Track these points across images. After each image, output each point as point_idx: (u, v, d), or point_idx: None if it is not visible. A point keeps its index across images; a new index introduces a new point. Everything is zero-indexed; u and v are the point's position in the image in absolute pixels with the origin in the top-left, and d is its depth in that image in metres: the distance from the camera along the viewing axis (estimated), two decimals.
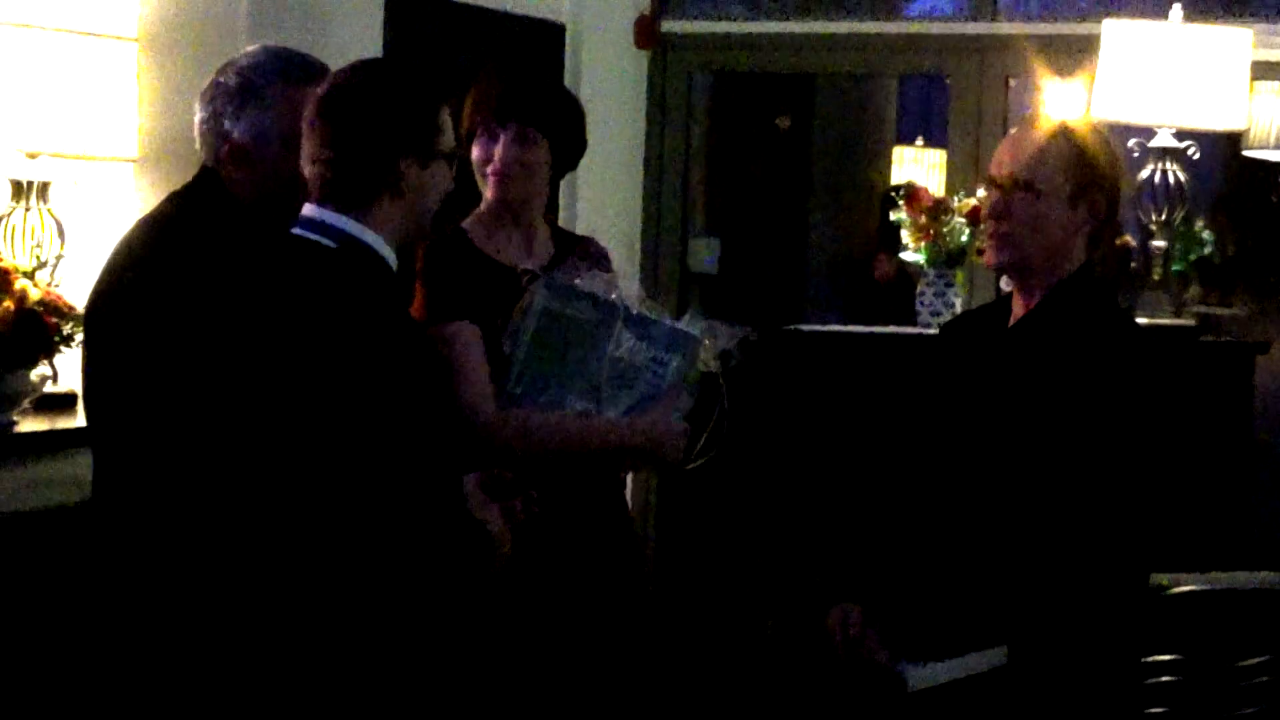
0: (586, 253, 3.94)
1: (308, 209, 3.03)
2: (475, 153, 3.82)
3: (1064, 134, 3.39)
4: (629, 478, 5.99)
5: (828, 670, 3.39)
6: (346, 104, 3.01)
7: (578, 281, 3.71)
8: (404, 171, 3.00)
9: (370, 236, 3.00)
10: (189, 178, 3.51)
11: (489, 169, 3.80)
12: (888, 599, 3.33)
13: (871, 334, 5.82)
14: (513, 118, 3.81)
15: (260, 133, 3.37)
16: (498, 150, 3.79)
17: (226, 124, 3.40)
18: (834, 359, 5.75)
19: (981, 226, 3.51)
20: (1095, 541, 3.21)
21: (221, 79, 3.45)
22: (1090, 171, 3.36)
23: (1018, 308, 3.45)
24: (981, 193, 3.51)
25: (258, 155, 3.37)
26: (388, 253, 3.04)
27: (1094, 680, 3.28)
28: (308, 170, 3.04)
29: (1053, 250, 3.36)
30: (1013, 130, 3.54)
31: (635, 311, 3.72)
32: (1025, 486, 3.21)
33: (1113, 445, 3.22)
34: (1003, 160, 3.39)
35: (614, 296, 3.72)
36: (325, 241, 2.99)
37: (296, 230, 3.02)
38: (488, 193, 3.83)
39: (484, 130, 3.82)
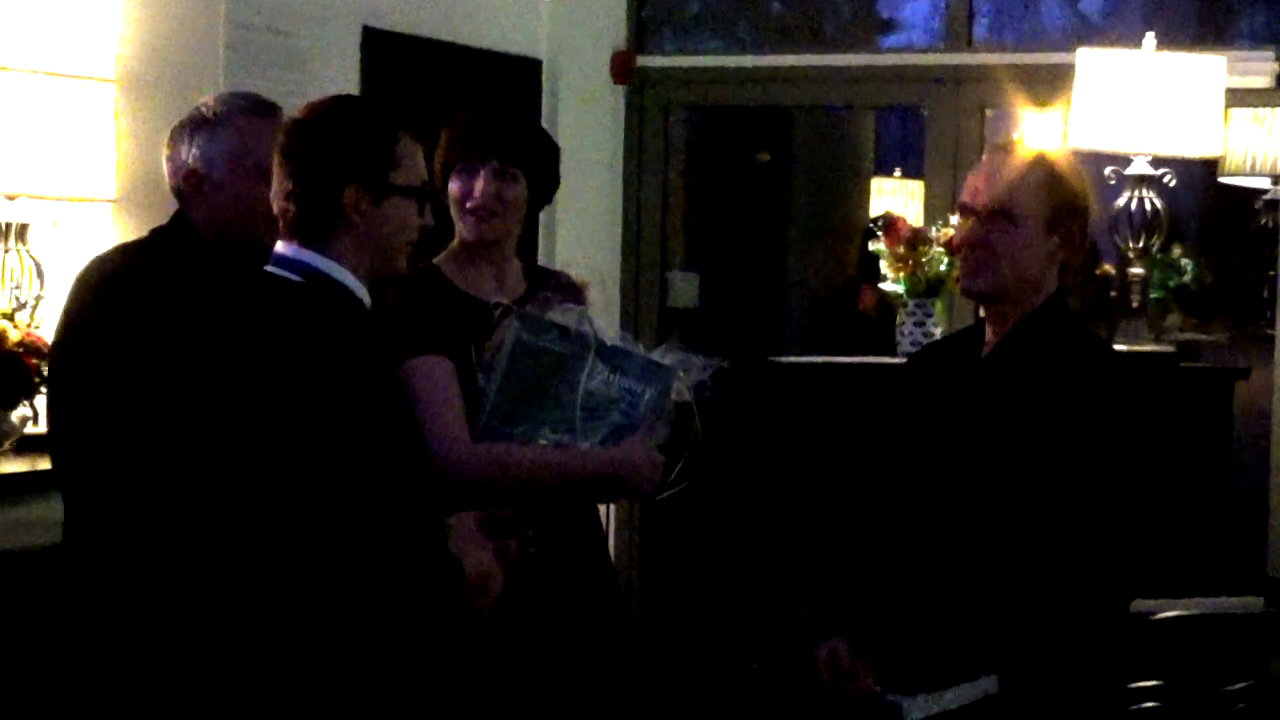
0: (559, 284, 3.95)
1: (279, 246, 3.03)
2: (453, 188, 3.82)
3: (1040, 162, 3.39)
4: (611, 514, 6.01)
5: (817, 706, 3.37)
6: (303, 136, 3.02)
7: (549, 314, 3.72)
8: (353, 202, 2.98)
9: (336, 270, 2.99)
10: (167, 217, 3.53)
11: (468, 205, 3.81)
12: (876, 632, 3.32)
13: (851, 364, 5.82)
14: (492, 154, 3.82)
15: (211, 156, 3.54)
16: (478, 186, 3.80)
17: (183, 153, 3.57)
18: (815, 390, 5.75)
19: (956, 255, 3.50)
20: (1084, 567, 3.20)
21: (183, 119, 3.64)
22: (1066, 200, 3.36)
23: (991, 336, 3.44)
24: (956, 220, 3.50)
25: (210, 179, 3.52)
26: (356, 285, 3.03)
27: (1084, 707, 3.27)
28: (276, 207, 3.04)
29: (1028, 278, 3.36)
30: (984, 157, 3.53)
31: (608, 343, 3.73)
32: (1011, 514, 3.21)
33: (1100, 471, 3.21)
34: (978, 188, 3.38)
35: (586, 329, 3.73)
36: (291, 276, 2.98)
37: (269, 267, 3.02)
38: (465, 229, 3.84)
39: (462, 166, 3.82)
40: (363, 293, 3.05)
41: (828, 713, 3.36)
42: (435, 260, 3.87)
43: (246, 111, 3.61)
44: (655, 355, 3.78)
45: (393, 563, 2.89)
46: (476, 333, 3.72)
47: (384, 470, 2.90)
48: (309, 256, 2.99)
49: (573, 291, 3.97)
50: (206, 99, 3.67)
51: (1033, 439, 3.23)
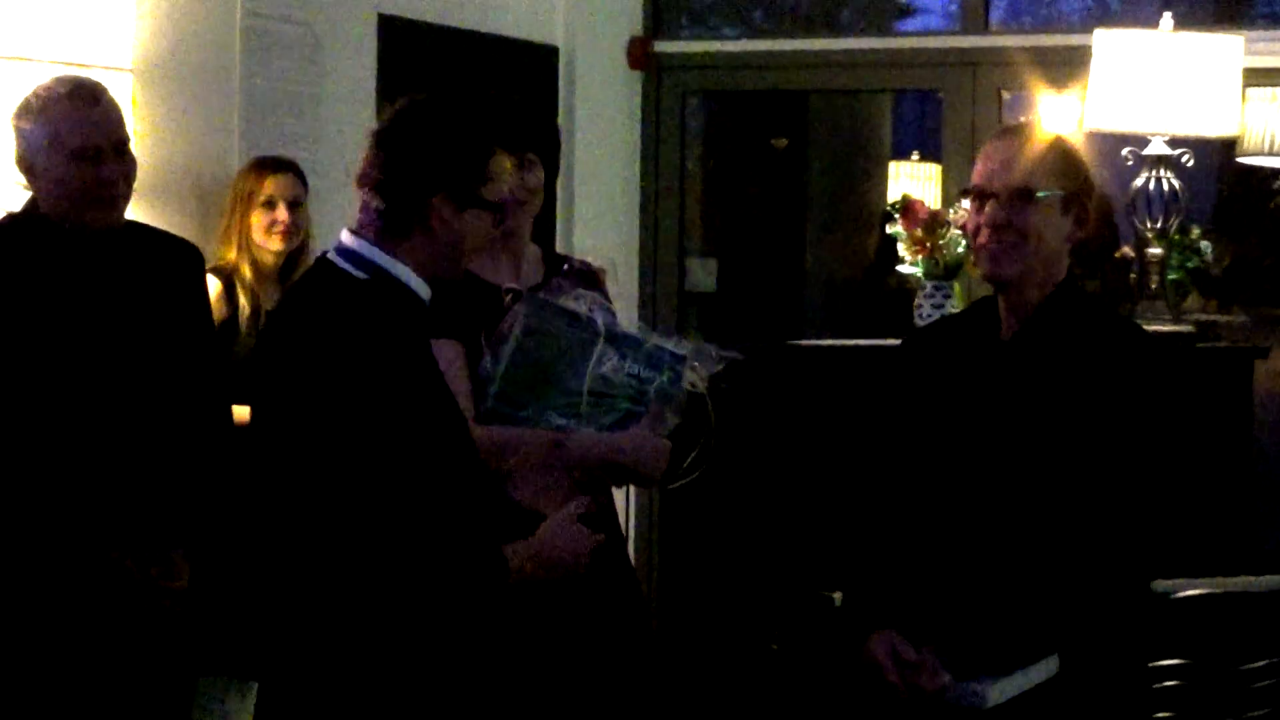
0: (574, 270, 3.97)
1: (345, 238, 3.08)
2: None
3: (1055, 143, 3.39)
4: (631, 497, 6.01)
5: (881, 703, 3.32)
6: (397, 135, 3.07)
7: (560, 300, 3.74)
8: (438, 209, 3.04)
9: (403, 271, 3.05)
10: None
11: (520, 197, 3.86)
12: (930, 621, 3.27)
13: (870, 347, 5.82)
14: (516, 143, 3.85)
15: (31, 143, 3.75)
16: (520, 180, 3.83)
17: (15, 140, 3.80)
18: (834, 373, 5.75)
19: (972, 239, 3.46)
20: (1126, 544, 3.20)
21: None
22: (1079, 179, 3.36)
23: (1009, 318, 3.40)
24: (966, 204, 3.47)
25: (34, 166, 3.76)
26: (419, 286, 3.08)
27: (1139, 684, 3.27)
28: (361, 196, 3.08)
29: (1048, 260, 3.35)
30: (993, 141, 3.48)
31: (619, 330, 3.74)
32: (1057, 495, 3.18)
33: (1139, 449, 3.20)
34: (995, 171, 3.35)
35: (596, 315, 3.74)
36: (356, 272, 3.04)
37: (331, 256, 3.08)
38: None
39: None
40: (425, 292, 3.10)
41: (896, 708, 3.26)
42: None
43: (65, 98, 3.75)
44: (668, 344, 3.78)
45: (429, 550, 2.92)
46: (489, 318, 3.75)
47: (423, 460, 2.94)
48: (378, 256, 3.04)
49: (588, 278, 3.99)
50: (38, 84, 3.83)
51: (1071, 420, 3.20)
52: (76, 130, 3.73)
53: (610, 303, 3.94)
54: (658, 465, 3.73)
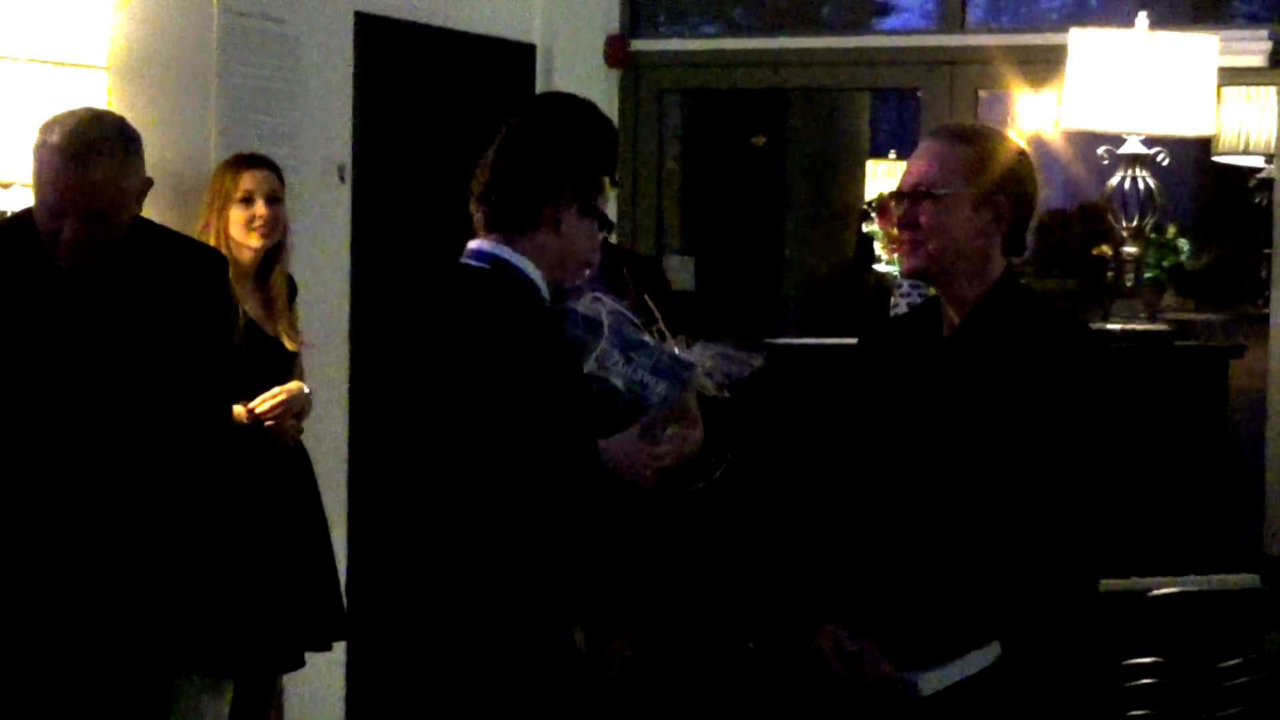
0: (634, 263, 4.17)
1: (473, 243, 3.27)
2: None
3: (965, 138, 3.44)
4: None
5: (826, 691, 3.38)
6: (532, 134, 3.27)
7: (579, 304, 3.75)
8: (564, 209, 3.24)
9: (526, 264, 3.24)
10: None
11: None
12: (872, 612, 3.34)
13: (848, 346, 5.82)
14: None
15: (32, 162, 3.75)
16: None
17: None
18: (811, 371, 5.76)
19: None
20: (1073, 535, 3.23)
21: None
22: (994, 175, 3.38)
23: (951, 316, 3.45)
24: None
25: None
26: (537, 277, 3.27)
27: (1083, 673, 3.30)
28: (479, 193, 3.27)
29: (965, 255, 3.38)
30: (921, 142, 3.57)
31: (625, 333, 3.74)
32: (996, 488, 3.23)
33: (1080, 442, 3.24)
34: (905, 171, 3.45)
35: (601, 316, 3.74)
36: (478, 264, 3.23)
37: (463, 260, 3.26)
38: None
39: None
40: (545, 289, 3.28)
41: (841, 700, 3.36)
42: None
43: (55, 149, 3.69)
44: (680, 351, 3.77)
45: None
46: None
47: (532, 438, 3.15)
48: (503, 251, 3.23)
49: (648, 266, 4.05)
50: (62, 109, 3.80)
51: (1004, 414, 3.25)
52: (48, 185, 3.71)
53: (666, 296, 4.02)
54: (641, 472, 3.74)
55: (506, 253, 3.23)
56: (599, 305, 3.75)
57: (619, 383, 3.72)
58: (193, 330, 3.89)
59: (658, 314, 3.86)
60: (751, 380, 3.78)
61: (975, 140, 3.43)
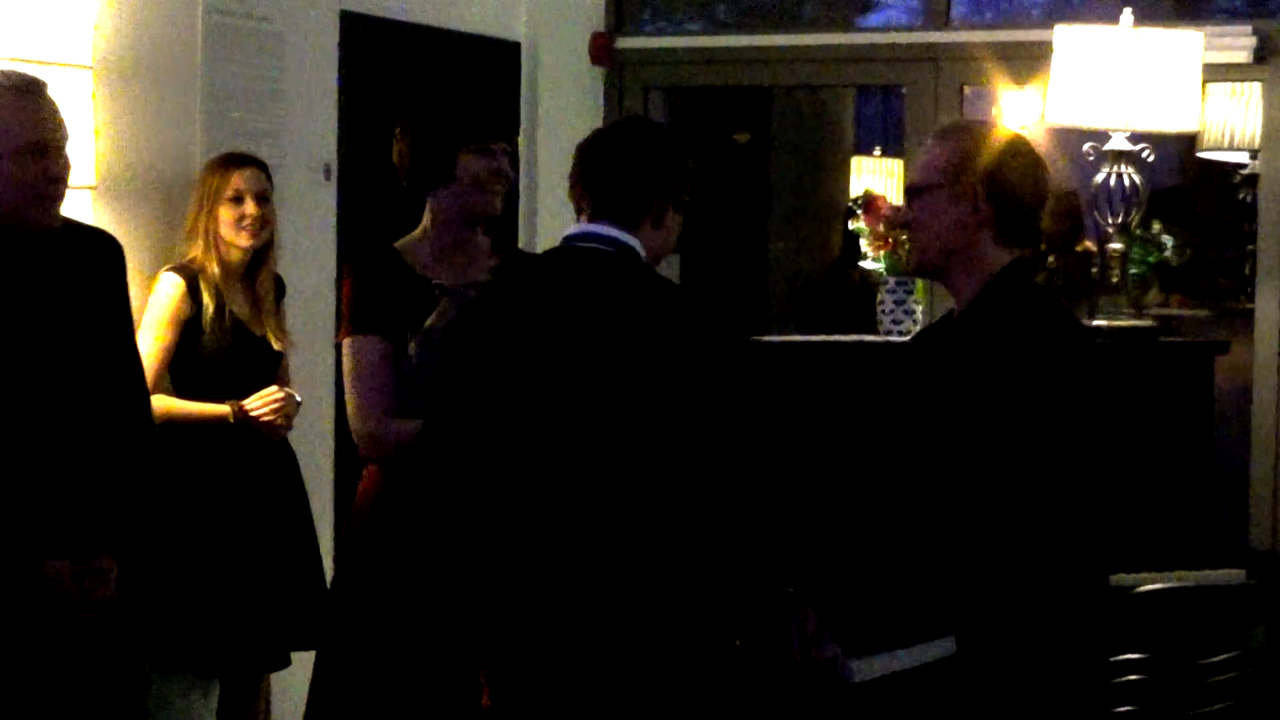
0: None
1: (582, 225, 3.48)
2: (478, 166, 4.01)
3: (947, 134, 3.51)
4: None
5: (785, 675, 3.42)
6: (646, 135, 3.58)
7: None
8: (667, 208, 3.49)
9: (638, 244, 3.43)
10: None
11: (496, 185, 3.97)
12: (838, 599, 3.38)
13: (834, 343, 5.83)
14: (501, 135, 4.06)
15: None
16: (503, 165, 4.04)
17: None
18: (797, 369, 5.76)
19: None
20: (1034, 535, 3.23)
21: None
22: (962, 165, 3.41)
23: (956, 311, 3.51)
24: None
25: None
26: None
27: (1045, 671, 3.30)
28: (578, 192, 3.53)
29: (953, 249, 3.43)
30: None
31: None
32: (962, 480, 3.24)
33: (1043, 438, 3.24)
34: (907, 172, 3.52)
35: None
36: (603, 247, 3.40)
37: (573, 241, 3.46)
38: (484, 207, 4.02)
39: (480, 147, 3.96)
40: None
41: (794, 681, 3.41)
42: (397, 244, 4.00)
43: (9, 91, 3.73)
44: None
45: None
46: (418, 312, 3.91)
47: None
48: (617, 233, 3.42)
49: None
50: None
51: (974, 410, 3.27)
52: (25, 125, 3.70)
53: None
54: None
55: (626, 237, 3.42)
56: None
57: None
58: (101, 320, 3.91)
59: None
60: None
61: (954, 136, 3.49)
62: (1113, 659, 4.46)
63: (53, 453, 3.76)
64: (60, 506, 3.75)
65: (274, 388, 4.84)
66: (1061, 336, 3.39)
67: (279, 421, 4.86)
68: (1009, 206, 3.41)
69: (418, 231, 4.06)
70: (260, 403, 4.81)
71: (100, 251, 3.98)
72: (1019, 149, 3.47)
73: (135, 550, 3.90)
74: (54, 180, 3.74)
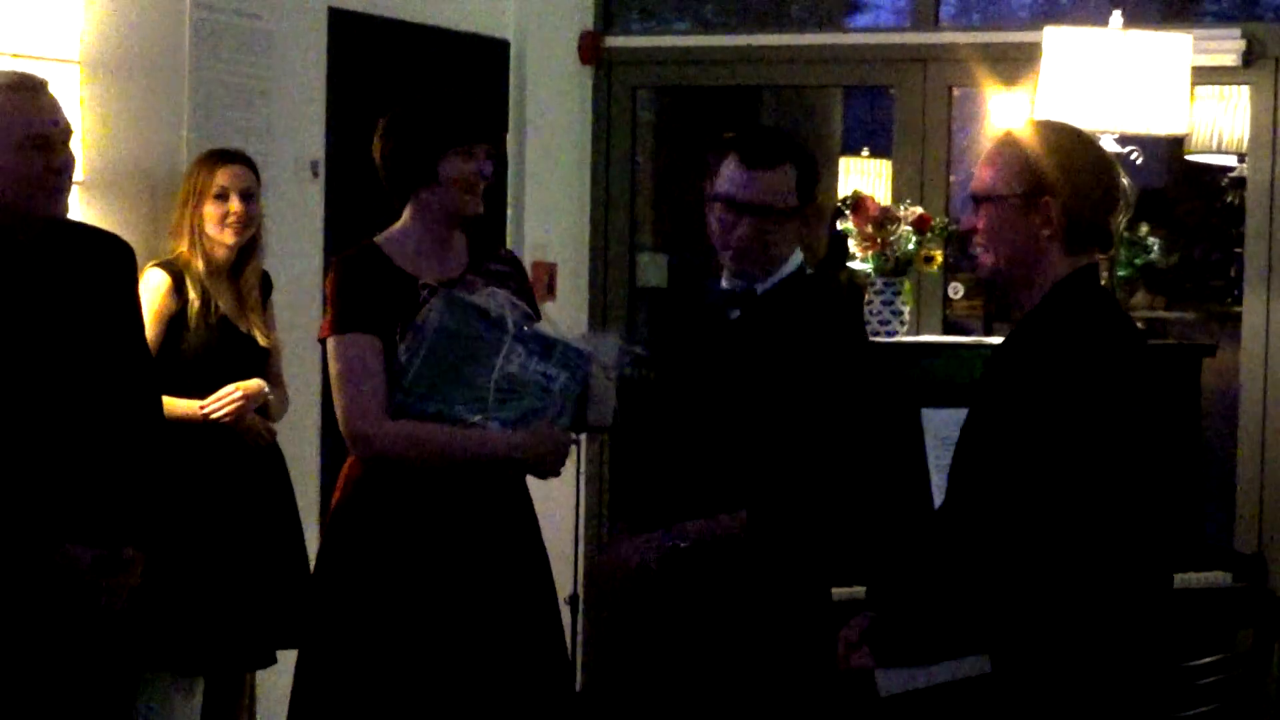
0: (500, 260, 4.19)
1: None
2: (463, 168, 3.99)
3: (1010, 141, 3.35)
4: (581, 493, 6.03)
5: (831, 681, 3.46)
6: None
7: (472, 298, 3.95)
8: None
9: None
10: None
11: (481, 185, 3.98)
12: (884, 609, 3.35)
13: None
14: (486, 135, 4.05)
15: None
16: (485, 167, 4.02)
17: None
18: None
19: None
20: (1071, 551, 3.15)
21: None
22: (1037, 176, 3.29)
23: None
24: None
25: None
26: None
27: (1079, 691, 3.22)
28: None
29: (1020, 259, 3.31)
30: None
31: (528, 329, 3.90)
32: (1003, 496, 3.17)
33: (1084, 454, 3.12)
34: (975, 175, 3.40)
35: (505, 313, 3.89)
36: None
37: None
38: (465, 207, 4.01)
39: (464, 148, 3.96)
40: None
41: (836, 686, 3.47)
42: (376, 239, 4.00)
43: (7, 88, 3.76)
44: (576, 342, 4.00)
45: None
46: (405, 310, 3.91)
47: None
48: None
49: (513, 269, 4.18)
50: None
51: (1012, 424, 3.19)
52: (26, 119, 3.73)
53: (530, 295, 4.17)
54: (555, 462, 3.97)
55: None
56: (495, 299, 3.91)
57: (527, 379, 3.87)
58: (109, 320, 3.91)
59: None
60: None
61: (1021, 140, 3.34)
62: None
63: (74, 443, 3.77)
64: (84, 496, 3.76)
65: (231, 385, 4.81)
66: (1111, 348, 3.26)
67: (253, 420, 4.84)
68: (1084, 220, 3.29)
69: (398, 226, 4.06)
70: (216, 404, 4.78)
71: (113, 254, 3.99)
72: (1092, 156, 3.34)
73: (157, 542, 3.91)
74: (56, 172, 3.76)
